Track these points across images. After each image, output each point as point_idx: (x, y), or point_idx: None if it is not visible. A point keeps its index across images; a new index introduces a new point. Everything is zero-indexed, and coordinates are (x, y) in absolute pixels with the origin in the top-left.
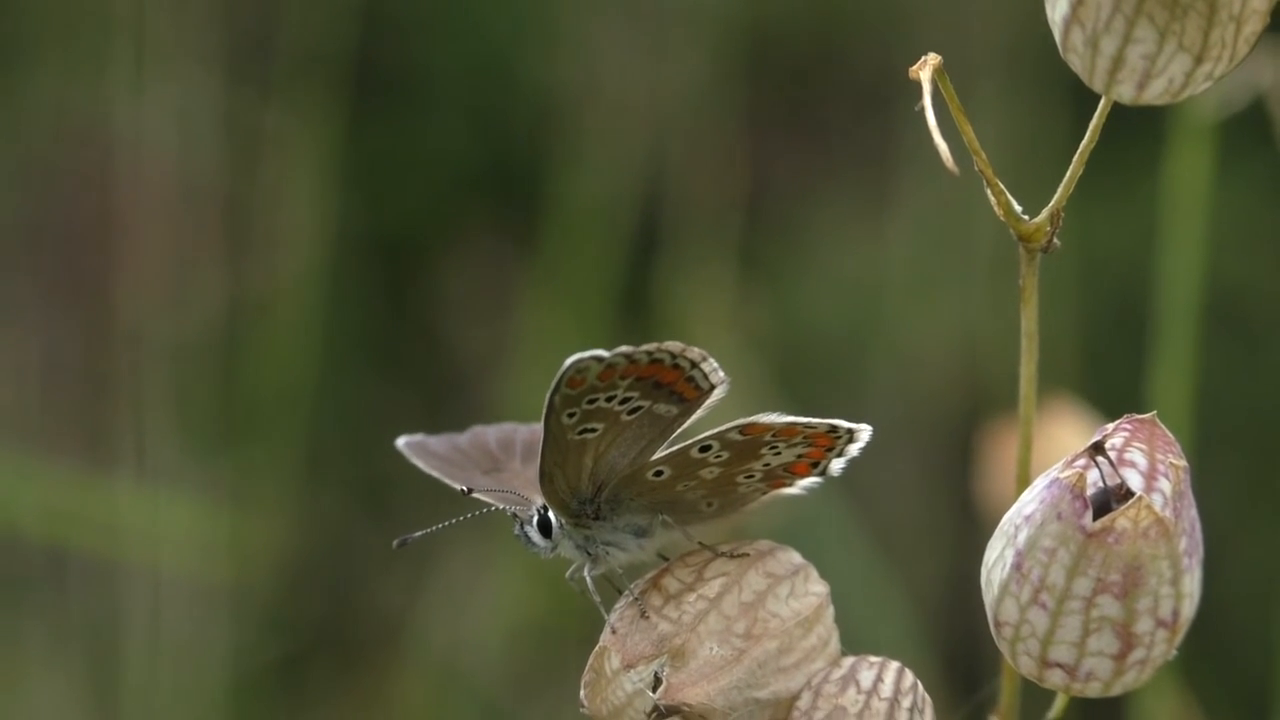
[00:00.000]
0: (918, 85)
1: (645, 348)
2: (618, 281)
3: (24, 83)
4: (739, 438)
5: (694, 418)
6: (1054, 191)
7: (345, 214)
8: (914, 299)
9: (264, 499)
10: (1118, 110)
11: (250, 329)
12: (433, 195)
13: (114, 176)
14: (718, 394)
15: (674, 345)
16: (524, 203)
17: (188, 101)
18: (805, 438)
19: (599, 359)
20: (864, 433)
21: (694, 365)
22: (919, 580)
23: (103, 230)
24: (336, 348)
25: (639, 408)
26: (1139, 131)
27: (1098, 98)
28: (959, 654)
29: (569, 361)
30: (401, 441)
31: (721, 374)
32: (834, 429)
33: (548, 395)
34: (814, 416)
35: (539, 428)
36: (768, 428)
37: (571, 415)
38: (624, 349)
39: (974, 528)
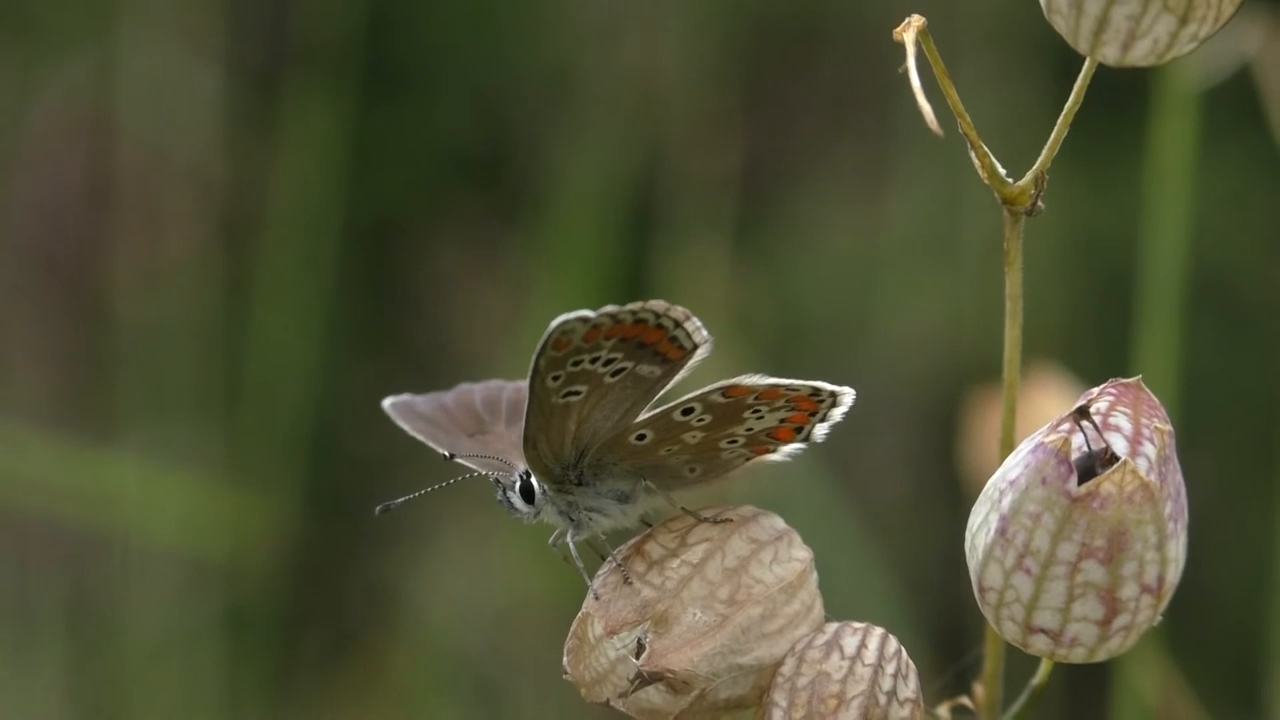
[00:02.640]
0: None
1: (630, 307)
2: (612, 260)
3: (13, 60)
4: (722, 400)
5: (676, 379)
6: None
7: (341, 194)
8: (905, 279)
9: (259, 476)
10: (1108, 83)
11: (247, 308)
12: (428, 176)
13: (106, 153)
14: (701, 354)
15: (658, 304)
16: (518, 183)
17: (181, 82)
18: (788, 400)
19: (584, 319)
20: (847, 396)
21: (677, 325)
22: (908, 557)
23: (101, 208)
24: (333, 327)
25: (622, 369)
26: (1129, 104)
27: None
28: (946, 629)
29: (555, 323)
30: (388, 402)
31: (704, 333)
32: (816, 391)
33: (533, 358)
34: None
35: (524, 385)
36: (750, 389)
37: (556, 378)
38: (609, 308)
39: (963, 505)
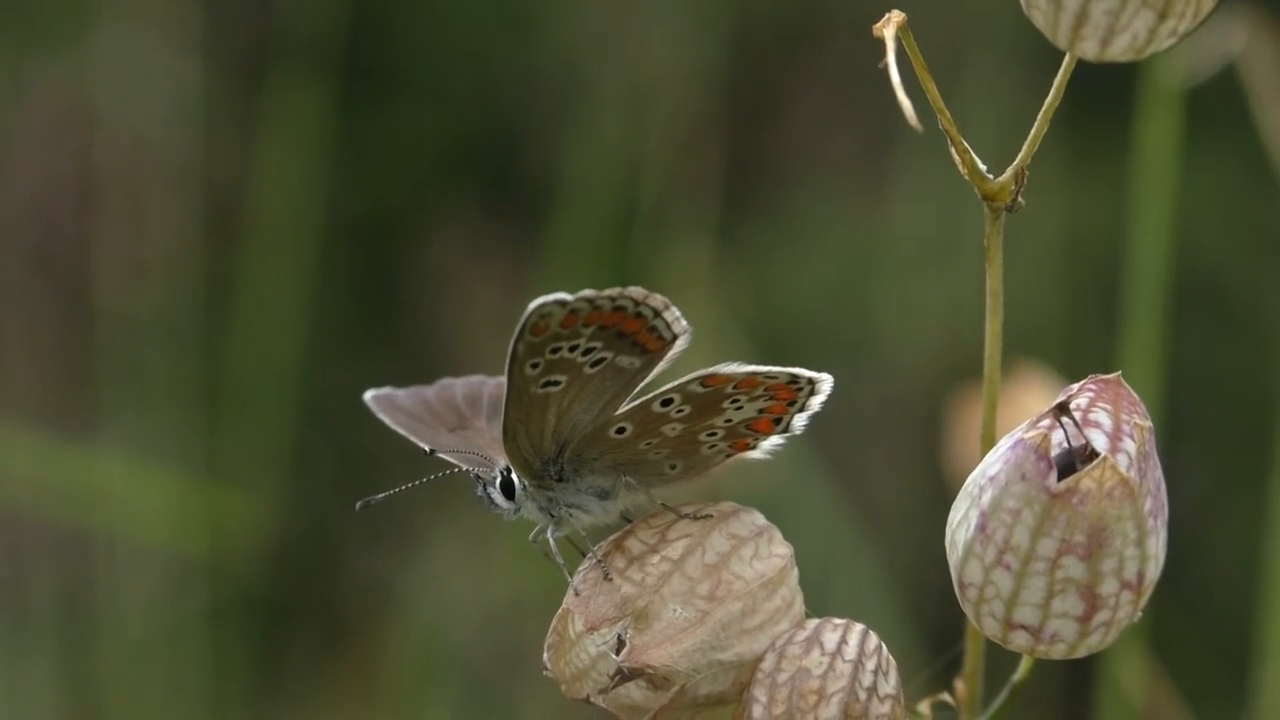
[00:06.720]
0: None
1: (608, 292)
2: (607, 258)
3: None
4: (700, 390)
5: (656, 371)
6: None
7: (331, 192)
8: (903, 277)
9: (249, 474)
10: (1094, 81)
11: (233, 302)
12: (417, 174)
13: (90, 149)
14: (680, 345)
15: (636, 291)
16: (508, 179)
17: (165, 77)
18: (766, 389)
19: (562, 303)
20: (825, 383)
21: (656, 314)
22: (902, 553)
23: (85, 203)
24: (321, 325)
25: (602, 359)
26: (1114, 102)
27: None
28: (942, 625)
29: (532, 305)
30: (369, 395)
31: (684, 323)
32: (795, 379)
33: (511, 343)
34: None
35: (505, 380)
36: (729, 378)
37: (535, 366)
38: (586, 292)
39: (951, 500)
